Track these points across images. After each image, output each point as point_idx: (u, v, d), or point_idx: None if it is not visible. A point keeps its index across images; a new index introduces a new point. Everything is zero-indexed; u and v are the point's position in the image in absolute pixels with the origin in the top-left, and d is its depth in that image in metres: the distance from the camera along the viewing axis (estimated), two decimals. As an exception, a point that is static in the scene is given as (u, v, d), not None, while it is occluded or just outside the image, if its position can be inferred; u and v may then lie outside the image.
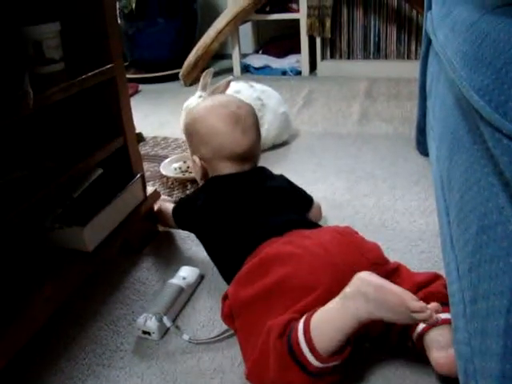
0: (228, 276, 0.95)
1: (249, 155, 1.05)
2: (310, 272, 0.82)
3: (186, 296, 0.99)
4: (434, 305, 0.73)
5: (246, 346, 0.82)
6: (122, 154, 1.12)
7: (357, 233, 0.96)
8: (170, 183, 1.49)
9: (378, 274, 0.83)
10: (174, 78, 2.71)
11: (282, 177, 1.12)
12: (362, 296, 0.73)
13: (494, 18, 0.76)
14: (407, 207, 1.31)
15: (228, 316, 0.87)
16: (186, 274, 1.02)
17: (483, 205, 0.56)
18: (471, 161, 0.67)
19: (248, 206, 0.99)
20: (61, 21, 0.99)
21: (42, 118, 1.07)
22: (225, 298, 0.89)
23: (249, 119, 1.06)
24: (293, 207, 1.04)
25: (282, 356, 0.74)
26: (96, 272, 1.08)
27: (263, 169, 1.10)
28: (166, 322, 0.90)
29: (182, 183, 1.48)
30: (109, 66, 1.03)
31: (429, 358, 0.77)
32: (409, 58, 2.59)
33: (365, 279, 0.75)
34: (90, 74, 0.98)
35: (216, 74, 1.75)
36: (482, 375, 0.50)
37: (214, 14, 2.84)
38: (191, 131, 1.09)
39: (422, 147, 1.61)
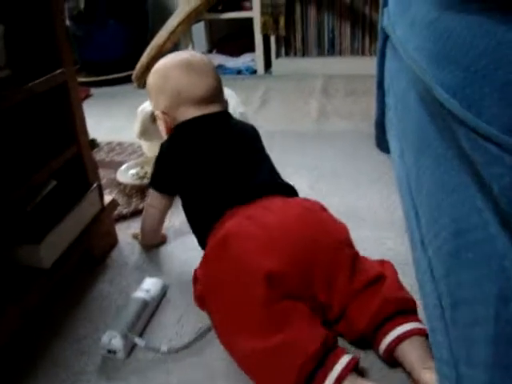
0: (199, 239, 0.97)
1: (211, 97, 1.02)
2: (270, 258, 0.80)
3: (150, 310, 0.95)
4: None
5: (222, 325, 0.82)
6: (77, 163, 1.07)
7: (326, 210, 0.94)
8: (127, 190, 1.44)
9: (343, 256, 0.83)
10: (126, 80, 2.64)
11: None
12: None
13: (456, 15, 0.75)
14: (371, 205, 1.30)
15: (200, 298, 0.87)
16: (149, 287, 0.97)
17: (458, 207, 0.55)
18: (441, 161, 0.66)
19: (215, 155, 0.96)
20: (5, 24, 0.93)
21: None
22: (195, 279, 0.89)
23: (203, 64, 1.04)
24: (265, 160, 1.01)
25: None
26: (55, 288, 1.03)
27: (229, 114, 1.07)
28: (132, 339, 0.86)
29: (140, 190, 1.43)
30: (59, 71, 0.98)
31: (410, 372, 0.75)
32: (363, 54, 2.60)
33: None
34: (38, 80, 0.92)
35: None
36: (469, 383, 0.49)
37: (165, 14, 2.78)
38: (149, 86, 1.08)
39: (382, 144, 1.61)
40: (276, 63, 2.69)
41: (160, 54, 2.55)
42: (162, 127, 1.06)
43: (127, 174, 1.50)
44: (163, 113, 1.03)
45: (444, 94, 0.60)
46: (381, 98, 1.57)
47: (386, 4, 1.39)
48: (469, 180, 0.55)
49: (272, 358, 0.73)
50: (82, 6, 2.26)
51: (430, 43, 0.78)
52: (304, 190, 1.39)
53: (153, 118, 1.46)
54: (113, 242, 1.19)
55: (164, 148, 1.02)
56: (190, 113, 1.01)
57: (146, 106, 1.50)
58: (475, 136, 0.49)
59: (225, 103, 1.07)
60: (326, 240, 0.84)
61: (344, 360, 0.72)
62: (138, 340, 0.86)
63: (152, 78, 1.07)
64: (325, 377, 0.70)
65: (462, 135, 0.53)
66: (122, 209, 1.32)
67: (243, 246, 0.81)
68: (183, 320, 0.93)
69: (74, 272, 1.09)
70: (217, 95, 1.04)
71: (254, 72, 2.74)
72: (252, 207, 0.88)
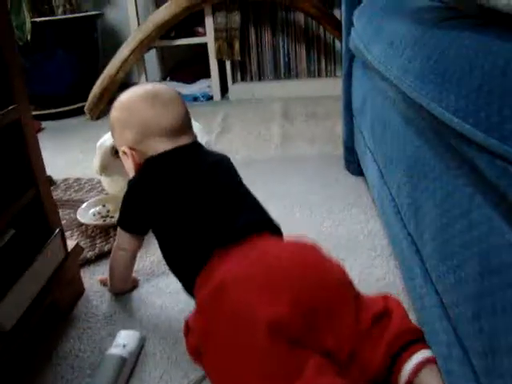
0: (184, 283, 0.88)
1: (180, 128, 0.96)
2: (271, 303, 0.72)
3: (129, 367, 0.85)
4: None
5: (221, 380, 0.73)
6: (35, 207, 0.97)
7: (321, 249, 0.88)
8: (90, 232, 1.34)
9: (346, 296, 0.77)
10: (79, 112, 2.54)
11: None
12: None
13: (444, 33, 0.71)
14: (351, 232, 1.25)
15: (194, 351, 0.79)
16: (125, 341, 0.88)
17: (484, 241, 0.50)
18: (449, 189, 0.61)
19: (192, 190, 0.89)
20: None
21: None
22: (186, 330, 0.80)
23: (169, 95, 0.98)
24: (247, 194, 0.95)
25: None
26: (17, 351, 0.91)
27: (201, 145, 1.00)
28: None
29: (103, 230, 1.33)
30: (12, 107, 0.89)
31: None
32: (319, 75, 2.59)
33: None
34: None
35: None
36: None
37: (117, 42, 2.70)
38: (113, 121, 1.00)
39: (352, 166, 1.57)
40: (232, 88, 2.65)
41: (113, 83, 2.47)
42: (128, 165, 0.97)
43: (88, 213, 1.40)
44: (130, 148, 0.96)
45: (453, 119, 0.55)
46: (349, 119, 1.54)
47: (351, 24, 1.37)
48: (489, 211, 0.50)
49: None
50: (28, 36, 2.15)
51: (418, 62, 0.74)
52: (277, 221, 1.33)
53: (113, 152, 1.38)
54: (79, 291, 1.08)
55: (133, 184, 0.95)
56: (159, 146, 0.94)
57: (106, 140, 1.41)
58: (504, 164, 0.44)
59: (194, 133, 1.01)
60: (327, 280, 0.78)
61: None
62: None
63: (115, 113, 1.00)
64: None
65: (484, 163, 0.47)
66: (86, 252, 1.22)
67: (241, 292, 0.74)
68: (166, 376, 0.84)
69: (38, 330, 0.98)
70: (186, 126, 0.99)
71: (211, 98, 2.69)
72: (245, 248, 0.81)
